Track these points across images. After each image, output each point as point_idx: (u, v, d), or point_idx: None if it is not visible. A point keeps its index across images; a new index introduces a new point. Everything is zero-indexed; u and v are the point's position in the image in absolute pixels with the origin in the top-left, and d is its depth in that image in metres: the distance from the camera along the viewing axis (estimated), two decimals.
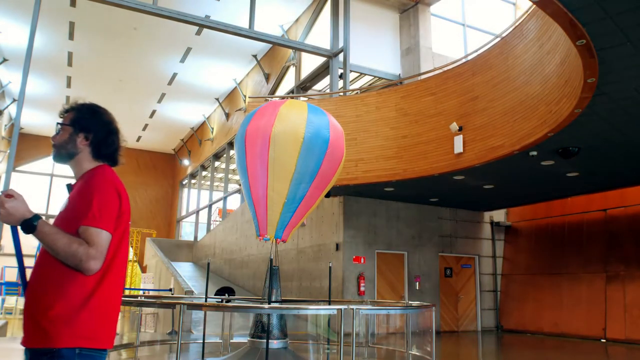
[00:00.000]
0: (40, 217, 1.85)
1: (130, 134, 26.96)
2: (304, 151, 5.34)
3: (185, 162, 27.50)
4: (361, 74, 14.40)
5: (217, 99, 21.98)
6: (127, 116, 24.26)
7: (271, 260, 5.86)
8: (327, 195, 10.29)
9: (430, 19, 14.49)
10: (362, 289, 11.39)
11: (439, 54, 14.13)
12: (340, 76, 13.47)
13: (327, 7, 14.25)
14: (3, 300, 16.17)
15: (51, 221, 1.98)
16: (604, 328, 11.07)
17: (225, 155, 21.82)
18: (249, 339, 5.87)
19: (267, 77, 17.73)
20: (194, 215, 25.91)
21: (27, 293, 1.93)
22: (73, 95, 21.39)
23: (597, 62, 5.27)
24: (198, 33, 16.31)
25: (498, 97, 8.29)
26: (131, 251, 27.31)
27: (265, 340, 5.54)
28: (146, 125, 25.47)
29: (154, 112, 23.60)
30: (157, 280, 19.32)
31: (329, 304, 6.67)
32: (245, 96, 19.32)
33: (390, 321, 10.63)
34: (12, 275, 20.34)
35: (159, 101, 22.26)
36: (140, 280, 23.81)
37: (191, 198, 27.89)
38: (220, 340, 7.72)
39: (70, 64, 18.68)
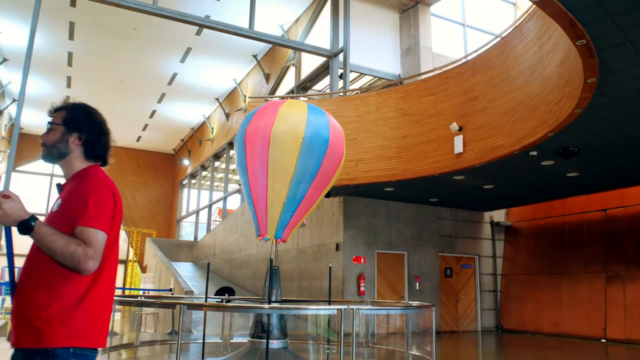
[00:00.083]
0: (37, 218, 1.85)
1: (130, 134, 26.98)
2: (304, 151, 5.34)
3: (185, 162, 27.49)
4: (361, 74, 14.40)
5: (217, 99, 21.98)
6: (127, 116, 24.27)
7: (271, 260, 5.86)
8: (327, 195, 10.29)
9: (430, 19, 14.50)
10: (362, 289, 11.39)
11: (439, 54, 14.13)
12: (340, 76, 13.47)
13: (327, 7, 14.25)
14: (3, 300, 16.17)
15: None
16: (604, 328, 11.07)
17: (225, 155, 21.82)
18: (249, 339, 5.86)
19: (267, 77, 17.73)
20: (194, 215, 25.91)
21: (16, 293, 1.92)
22: (73, 95, 21.40)
23: (597, 62, 5.27)
24: (198, 33, 16.31)
25: (498, 97, 8.28)
26: (131, 251, 27.33)
27: (265, 340, 5.54)
28: (146, 125, 25.47)
29: (154, 112, 23.60)
30: (157, 280, 19.32)
31: (329, 304, 6.66)
32: (245, 96, 19.32)
33: (390, 321, 10.63)
34: None
35: (159, 101, 22.26)
36: (140, 280, 23.82)
37: (191, 198, 27.89)
38: (220, 340, 7.72)
39: (70, 64, 18.68)
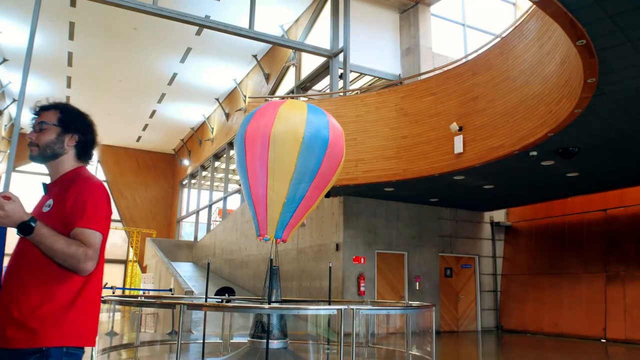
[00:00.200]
0: (37, 219, 1.85)
1: (130, 134, 27.00)
2: (304, 151, 5.34)
3: (185, 162, 27.50)
4: (361, 74, 14.40)
5: (217, 99, 21.98)
6: (127, 116, 24.28)
7: (271, 260, 5.86)
8: (327, 196, 10.29)
9: (430, 19, 14.50)
10: (362, 289, 11.39)
11: (439, 54, 14.13)
12: (340, 76, 13.47)
13: (327, 7, 14.26)
14: None
15: None
16: (604, 328, 11.07)
17: (225, 156, 21.82)
18: (249, 339, 5.86)
19: (267, 77, 17.73)
20: (194, 216, 25.91)
21: (3, 294, 1.90)
22: (73, 95, 21.41)
23: (597, 62, 5.27)
24: (198, 33, 16.31)
25: (498, 97, 8.28)
26: (131, 251, 27.33)
27: (265, 341, 5.54)
28: (146, 125, 25.47)
29: (154, 112, 23.60)
30: (157, 280, 19.32)
31: (329, 304, 6.66)
32: (245, 96, 19.33)
33: (390, 321, 10.62)
34: None
35: (159, 101, 22.26)
36: (140, 281, 23.82)
37: (191, 198, 27.90)
38: (220, 341, 7.71)
39: (70, 64, 18.69)
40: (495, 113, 8.30)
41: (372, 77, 14.69)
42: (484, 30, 15.53)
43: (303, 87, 15.41)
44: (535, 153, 8.10)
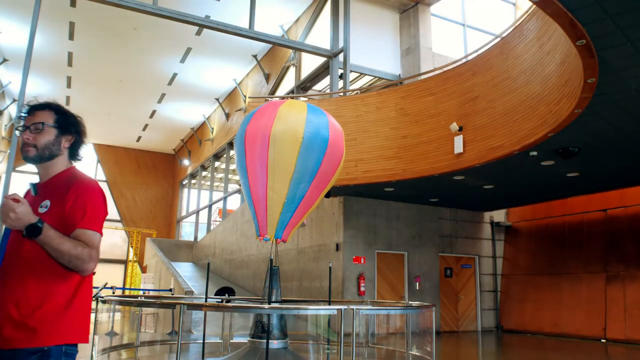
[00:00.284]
0: (44, 221, 1.87)
1: (130, 134, 27.00)
2: (304, 151, 5.33)
3: (185, 162, 27.50)
4: (361, 74, 14.40)
5: (217, 99, 21.98)
6: (127, 116, 24.29)
7: (271, 260, 5.86)
8: (327, 196, 10.29)
9: (430, 19, 14.50)
10: (362, 289, 11.39)
11: (439, 54, 14.13)
12: (340, 76, 13.47)
13: (327, 8, 14.25)
14: None
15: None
16: (604, 328, 11.07)
17: (225, 156, 21.82)
18: (249, 339, 5.86)
19: (267, 77, 17.74)
20: (194, 216, 25.91)
21: (8, 295, 1.90)
22: (73, 95, 21.42)
23: (597, 62, 5.27)
24: (198, 33, 16.31)
25: (498, 97, 8.28)
26: (131, 251, 27.33)
27: (265, 341, 5.54)
28: (146, 125, 25.47)
29: (154, 112, 23.60)
30: (157, 280, 19.32)
31: (329, 304, 6.66)
32: (245, 96, 19.33)
33: (390, 321, 10.62)
34: None
35: (159, 101, 22.26)
36: (140, 281, 23.82)
37: (191, 198, 27.90)
38: (220, 341, 7.71)
39: (70, 64, 18.69)
40: (495, 113, 8.30)
41: (372, 77, 14.69)
42: (484, 30, 15.53)
43: (303, 87, 15.41)
44: (535, 153, 8.09)
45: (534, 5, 6.32)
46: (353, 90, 13.92)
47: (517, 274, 13.60)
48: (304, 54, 15.39)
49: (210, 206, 23.68)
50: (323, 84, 15.35)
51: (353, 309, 4.50)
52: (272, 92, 17.05)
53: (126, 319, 13.71)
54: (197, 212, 25.33)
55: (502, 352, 10.78)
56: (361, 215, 11.85)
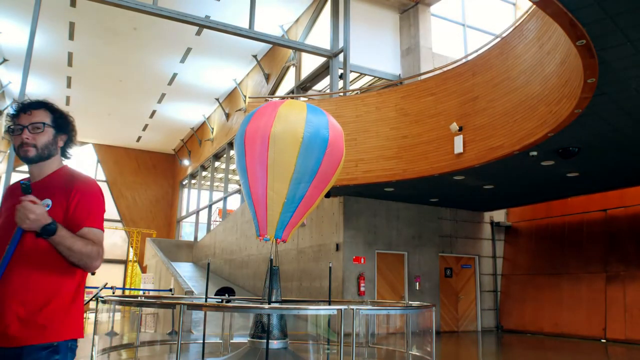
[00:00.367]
0: (56, 222, 1.90)
1: (130, 134, 27.00)
2: (303, 151, 5.33)
3: (185, 162, 27.50)
4: (361, 74, 14.40)
5: (217, 99, 21.98)
6: (127, 116, 24.29)
7: (271, 260, 5.86)
8: (327, 196, 10.29)
9: (430, 19, 14.50)
10: (362, 289, 11.39)
11: (439, 54, 14.13)
12: (340, 76, 13.47)
13: (327, 8, 14.25)
14: None
15: None
16: (604, 328, 11.07)
17: (225, 156, 21.83)
18: (249, 339, 5.86)
19: (267, 78, 17.74)
20: (194, 216, 25.91)
21: (12, 293, 1.90)
22: (73, 95, 21.42)
23: (597, 62, 5.27)
24: (198, 33, 16.31)
25: (498, 98, 8.28)
26: (131, 251, 27.33)
27: (265, 341, 5.54)
28: (146, 125, 25.47)
29: (154, 112, 23.60)
30: (157, 280, 19.32)
31: (329, 304, 6.66)
32: (245, 96, 19.33)
33: (390, 321, 10.62)
34: None
35: (159, 101, 22.26)
36: (140, 281, 23.81)
37: (191, 198, 27.90)
38: (220, 341, 7.71)
39: (70, 64, 18.69)
40: (495, 113, 8.30)
41: (372, 77, 14.69)
42: (484, 30, 15.53)
43: (303, 87, 15.41)
44: (535, 153, 8.09)
45: (534, 5, 6.32)
46: (353, 90, 13.92)
47: (517, 274, 13.60)
48: (304, 54, 15.39)
49: (210, 206, 23.68)
50: (323, 84, 15.35)
51: (353, 309, 4.50)
52: (272, 92, 17.06)
53: (126, 319, 13.72)
54: (197, 212, 25.33)
55: (502, 352, 10.78)
56: (361, 215, 11.85)
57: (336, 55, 13.45)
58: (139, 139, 27.75)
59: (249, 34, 13.12)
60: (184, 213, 28.48)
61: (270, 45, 16.99)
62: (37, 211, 1.85)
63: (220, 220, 21.98)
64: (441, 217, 13.06)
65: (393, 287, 12.12)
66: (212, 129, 23.50)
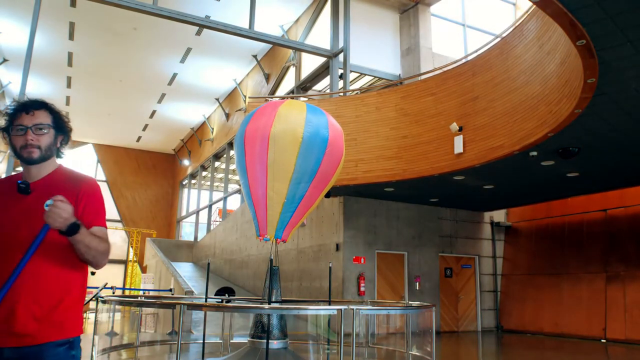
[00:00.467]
0: (78, 220, 1.94)
1: (130, 134, 27.00)
2: (303, 150, 5.33)
3: (185, 162, 27.50)
4: (361, 74, 14.39)
5: (217, 99, 21.98)
6: (127, 116, 24.28)
7: (271, 260, 5.86)
8: (327, 196, 10.28)
9: (430, 19, 14.50)
10: (362, 289, 11.39)
11: (439, 54, 14.13)
12: (341, 76, 13.47)
13: (327, 8, 14.25)
14: None
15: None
16: (604, 328, 11.07)
17: (225, 156, 21.83)
18: (249, 339, 5.86)
19: (267, 78, 17.74)
20: (194, 216, 25.91)
21: (25, 292, 1.90)
22: (73, 95, 21.42)
23: (597, 62, 5.27)
24: (198, 33, 16.31)
25: (498, 98, 8.28)
26: (131, 251, 27.33)
27: (265, 341, 5.54)
28: (146, 125, 25.47)
29: (154, 112, 23.60)
30: (157, 280, 19.32)
31: (329, 304, 6.66)
32: (245, 96, 19.33)
33: (390, 321, 10.62)
34: None
35: (159, 101, 22.26)
36: (140, 281, 23.81)
37: (191, 198, 27.90)
38: (220, 341, 7.71)
39: (70, 64, 18.69)
40: (495, 113, 8.30)
41: (372, 77, 14.69)
42: (484, 30, 15.53)
43: (303, 87, 15.41)
44: (535, 153, 8.09)
45: (534, 5, 6.32)
46: (353, 91, 13.92)
47: (517, 274, 13.59)
48: (304, 54, 15.39)
49: (210, 206, 23.68)
50: (323, 84, 15.35)
51: (353, 309, 4.50)
52: (272, 92, 17.06)
53: (126, 319, 13.71)
54: (197, 212, 25.33)
55: (502, 352, 10.78)
56: (361, 215, 11.85)
57: (336, 55, 13.45)
58: (139, 139, 27.74)
59: (249, 34, 13.12)
60: (184, 213, 28.48)
61: (270, 45, 16.99)
62: (69, 210, 1.88)
63: (220, 220, 21.98)
64: (441, 217, 13.06)
65: (393, 287, 12.12)
66: (212, 129, 23.50)
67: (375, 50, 14.16)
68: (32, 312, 1.90)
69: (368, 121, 10.09)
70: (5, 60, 18.02)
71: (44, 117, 2.08)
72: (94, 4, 11.94)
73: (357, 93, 13.31)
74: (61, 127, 2.14)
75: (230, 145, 20.57)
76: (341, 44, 13.38)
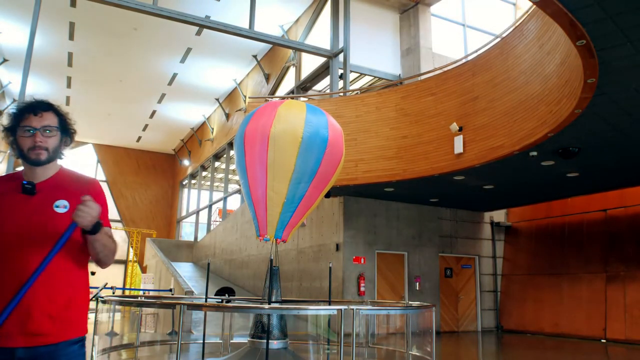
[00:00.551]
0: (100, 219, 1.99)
1: (130, 134, 27.00)
2: (303, 150, 5.33)
3: (185, 162, 27.50)
4: (361, 74, 14.39)
5: (217, 99, 21.98)
6: (127, 116, 24.28)
7: (271, 260, 5.85)
8: (327, 196, 10.28)
9: (430, 19, 14.49)
10: (362, 289, 11.39)
11: (439, 54, 14.13)
12: (341, 76, 13.47)
13: (327, 8, 14.25)
14: None
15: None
16: (604, 328, 11.06)
17: (225, 156, 21.83)
18: (249, 339, 5.86)
19: (267, 78, 17.73)
20: (194, 216, 25.91)
21: (39, 292, 1.91)
22: (73, 96, 21.41)
23: (597, 62, 5.27)
24: (198, 33, 16.31)
25: (498, 98, 8.28)
26: (131, 251, 27.33)
27: (265, 341, 5.54)
28: (146, 125, 25.47)
29: (154, 112, 23.60)
30: (157, 280, 19.32)
31: (329, 304, 6.66)
32: (245, 96, 19.33)
33: (390, 321, 10.62)
34: None
35: (159, 101, 22.26)
36: (140, 281, 23.81)
37: (191, 198, 27.91)
38: (220, 341, 7.71)
39: (70, 64, 18.69)
40: (496, 113, 8.30)
41: (372, 77, 14.69)
42: (484, 30, 15.53)
43: (303, 87, 15.41)
44: (535, 153, 8.09)
45: (534, 6, 6.32)
46: (353, 91, 13.92)
47: (517, 274, 13.59)
48: (304, 54, 15.39)
49: (210, 206, 23.68)
50: (323, 84, 15.34)
51: (353, 309, 4.50)
52: (272, 92, 17.06)
53: (126, 319, 13.71)
54: (197, 212, 25.33)
55: (502, 352, 10.78)
56: (361, 215, 11.84)
57: (336, 55, 13.45)
58: (139, 139, 27.74)
59: (249, 34, 13.12)
60: (184, 213, 28.48)
61: (270, 46, 16.99)
62: (98, 210, 1.94)
63: (220, 220, 21.98)
64: (441, 217, 13.05)
65: (393, 287, 12.11)
66: (212, 129, 23.49)
67: (375, 50, 14.16)
68: (47, 311, 1.92)
69: (368, 121, 10.09)
70: (5, 60, 18.02)
71: (51, 119, 2.09)
72: (94, 4, 11.94)
73: (357, 93, 13.31)
74: (66, 129, 2.15)
75: (230, 145, 20.57)
76: (341, 44, 13.37)
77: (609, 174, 9.78)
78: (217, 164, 24.05)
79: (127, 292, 22.42)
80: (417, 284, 12.31)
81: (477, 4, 16.01)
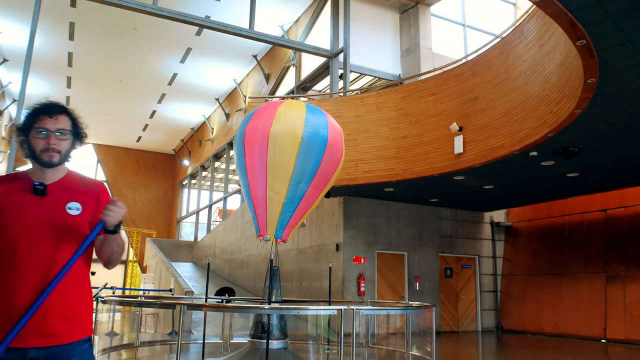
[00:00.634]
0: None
1: (130, 134, 27.00)
2: (303, 150, 5.33)
3: (185, 162, 27.50)
4: (361, 74, 14.39)
5: (217, 99, 21.98)
6: (127, 116, 24.29)
7: (271, 260, 5.86)
8: (327, 196, 10.29)
9: (430, 19, 14.49)
10: (362, 289, 11.39)
11: (439, 54, 14.13)
12: (341, 76, 13.47)
13: (327, 8, 14.25)
14: None
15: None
16: (604, 328, 11.06)
17: (225, 156, 21.83)
18: (249, 339, 5.86)
19: (267, 78, 17.73)
20: (194, 216, 25.91)
21: (54, 293, 1.92)
22: (73, 96, 21.42)
23: (597, 62, 5.27)
24: (198, 33, 16.30)
25: (498, 98, 8.28)
26: (131, 251, 27.33)
27: (265, 341, 5.54)
28: (146, 125, 25.47)
29: (154, 112, 23.60)
30: (157, 280, 19.32)
31: (329, 305, 6.66)
32: (245, 96, 19.33)
33: (390, 321, 10.62)
34: None
35: (159, 101, 22.26)
36: (140, 281, 23.81)
37: (191, 198, 27.91)
38: (221, 341, 7.71)
39: (70, 64, 18.69)
40: (496, 113, 8.30)
41: (372, 77, 14.69)
42: (484, 30, 15.53)
43: (303, 87, 15.41)
44: (535, 153, 8.09)
45: (534, 6, 6.31)
46: (353, 91, 13.91)
47: (517, 274, 13.59)
48: (304, 54, 15.39)
49: (210, 206, 23.68)
50: (323, 84, 15.34)
51: (353, 309, 4.50)
52: (272, 92, 17.06)
53: (126, 319, 13.71)
54: (197, 212, 25.33)
55: (502, 353, 10.78)
56: (361, 215, 11.84)
57: (336, 55, 13.44)
58: (139, 139, 27.74)
59: (249, 34, 13.12)
60: (184, 213, 28.48)
61: (270, 46, 16.99)
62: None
63: (220, 220, 21.98)
64: (441, 217, 13.05)
65: (393, 287, 12.11)
66: (212, 129, 23.49)
67: (375, 50, 14.16)
68: (63, 312, 1.95)
69: (368, 121, 10.09)
70: (5, 60, 18.02)
71: (65, 123, 2.10)
72: (94, 4, 11.94)
73: (357, 93, 13.31)
74: (78, 133, 2.18)
75: (230, 145, 20.56)
76: (341, 44, 13.37)
77: (609, 174, 9.77)
78: (217, 164, 24.05)
79: (127, 292, 22.42)
80: (417, 284, 12.31)
81: (477, 4, 16.01)
